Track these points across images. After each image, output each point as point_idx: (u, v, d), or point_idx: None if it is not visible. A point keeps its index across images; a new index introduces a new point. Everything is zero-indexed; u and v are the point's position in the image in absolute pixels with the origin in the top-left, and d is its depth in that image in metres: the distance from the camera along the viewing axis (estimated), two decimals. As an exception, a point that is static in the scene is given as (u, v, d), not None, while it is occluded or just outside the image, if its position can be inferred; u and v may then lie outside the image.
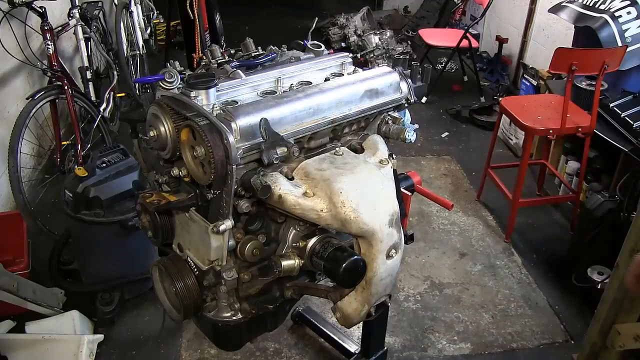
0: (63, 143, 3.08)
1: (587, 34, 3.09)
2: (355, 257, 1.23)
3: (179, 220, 1.39)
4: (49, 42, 2.96)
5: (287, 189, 1.21)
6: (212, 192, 1.26)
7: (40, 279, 2.42)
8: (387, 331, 1.96)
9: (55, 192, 3.11)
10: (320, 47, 1.63)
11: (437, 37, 4.88)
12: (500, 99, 3.61)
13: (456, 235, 3.12)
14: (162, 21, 5.50)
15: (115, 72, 3.88)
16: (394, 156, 1.45)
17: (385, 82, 1.48)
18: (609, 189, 2.85)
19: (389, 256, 1.31)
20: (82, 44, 3.51)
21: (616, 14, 2.93)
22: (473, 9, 5.84)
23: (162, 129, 1.27)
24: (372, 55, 5.37)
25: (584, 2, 3.16)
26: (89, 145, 3.21)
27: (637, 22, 2.91)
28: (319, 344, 2.36)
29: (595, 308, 1.86)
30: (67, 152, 3.11)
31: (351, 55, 1.60)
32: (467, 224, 3.22)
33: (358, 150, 1.42)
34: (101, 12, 3.95)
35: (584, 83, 3.15)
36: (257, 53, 1.56)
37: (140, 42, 4.27)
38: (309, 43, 1.64)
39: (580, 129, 2.84)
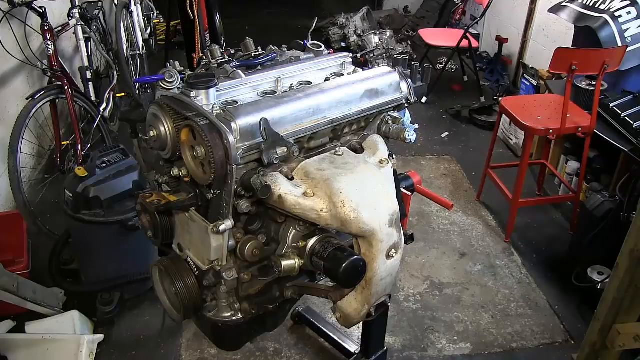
0: (63, 143, 3.08)
1: (587, 34, 3.09)
2: (355, 257, 1.23)
3: (179, 220, 1.39)
4: (49, 42, 2.96)
5: (287, 189, 1.21)
6: (212, 192, 1.26)
7: (40, 279, 2.42)
8: (387, 331, 1.95)
9: (55, 192, 3.10)
10: (320, 47, 1.63)
11: (437, 37, 4.87)
12: (500, 99, 3.61)
13: (456, 235, 3.12)
14: (162, 21, 5.50)
15: (115, 72, 3.87)
16: (394, 156, 1.45)
17: (385, 82, 1.48)
18: (609, 189, 2.85)
19: (389, 256, 1.31)
20: (82, 44, 3.51)
21: (616, 14, 2.93)
22: (473, 9, 5.84)
23: (162, 129, 1.27)
24: (372, 55, 5.36)
25: (584, 2, 3.16)
26: (89, 145, 3.21)
27: (637, 22, 2.91)
28: (319, 344, 2.36)
29: (595, 308, 1.86)
30: (67, 152, 3.11)
31: (351, 55, 1.60)
32: (467, 224, 3.22)
33: (358, 150, 1.42)
34: (101, 12, 3.95)
35: (584, 83, 3.15)
36: (257, 53, 1.56)
37: (140, 42, 4.26)
38: (309, 43, 1.64)
39: (580, 129, 2.84)
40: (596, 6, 3.07)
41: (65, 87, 2.95)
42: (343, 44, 5.76)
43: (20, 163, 2.63)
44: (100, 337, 2.27)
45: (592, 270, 2.55)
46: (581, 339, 2.04)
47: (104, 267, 2.42)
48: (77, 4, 3.46)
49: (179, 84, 1.31)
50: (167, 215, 1.38)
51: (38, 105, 2.77)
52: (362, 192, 1.24)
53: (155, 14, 5.39)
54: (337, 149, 1.36)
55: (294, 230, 1.35)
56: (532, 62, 4.50)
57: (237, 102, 1.29)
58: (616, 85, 3.17)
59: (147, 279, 2.32)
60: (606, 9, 2.99)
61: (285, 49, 1.62)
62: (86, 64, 3.53)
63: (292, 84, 1.40)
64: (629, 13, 2.93)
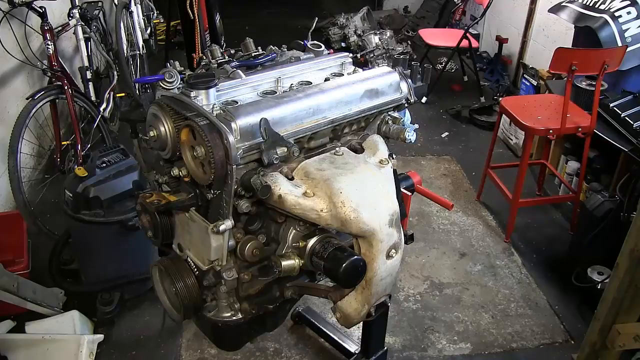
0: (63, 143, 3.08)
1: (587, 34, 3.09)
2: (355, 257, 1.23)
3: (179, 220, 1.39)
4: (49, 42, 2.96)
5: (287, 189, 1.21)
6: (212, 192, 1.26)
7: (40, 279, 2.42)
8: (387, 331, 1.95)
9: (55, 192, 3.10)
10: (320, 47, 1.63)
11: (437, 37, 4.88)
12: (500, 99, 3.61)
13: (456, 235, 3.12)
14: (162, 21, 5.50)
15: (115, 72, 3.87)
16: (394, 156, 1.45)
17: (385, 82, 1.48)
18: (609, 189, 2.85)
19: (389, 256, 1.31)
20: (82, 44, 3.51)
21: (616, 14, 2.93)
22: (473, 9, 5.84)
23: (162, 129, 1.27)
24: (372, 55, 5.36)
25: (584, 2, 3.16)
26: (89, 145, 3.21)
27: (637, 22, 2.91)
28: (319, 344, 2.36)
29: (595, 308, 1.86)
30: (67, 152, 3.11)
31: (351, 55, 1.60)
32: (467, 224, 3.22)
33: (358, 150, 1.42)
34: (101, 12, 3.95)
35: (584, 83, 3.15)
36: (257, 53, 1.56)
37: (140, 42, 4.26)
38: (309, 43, 1.64)
39: (580, 129, 2.84)
40: (596, 6, 3.07)
41: (65, 87, 2.95)
42: (343, 44, 5.76)
43: (20, 163, 2.63)
44: (100, 337, 2.27)
45: (592, 270, 2.55)
46: (581, 339, 2.04)
47: (104, 267, 2.42)
48: (77, 4, 3.46)
49: (179, 84, 1.31)
50: (167, 215, 1.38)
51: (38, 105, 2.77)
52: (362, 192, 1.24)
53: (155, 14, 5.39)
54: (337, 149, 1.36)
55: (294, 230, 1.35)
56: (532, 62, 4.50)
57: (237, 102, 1.29)
58: (616, 85, 3.17)
59: (147, 279, 2.32)
60: (606, 9, 2.99)
61: (285, 49, 1.62)
62: (86, 64, 3.53)
63: (292, 84, 1.40)
64: (629, 13, 2.93)
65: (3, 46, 2.81)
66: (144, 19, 4.76)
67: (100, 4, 3.95)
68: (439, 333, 2.47)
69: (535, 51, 4.59)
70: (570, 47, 3.41)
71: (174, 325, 2.40)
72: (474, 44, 4.81)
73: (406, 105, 1.55)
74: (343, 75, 1.49)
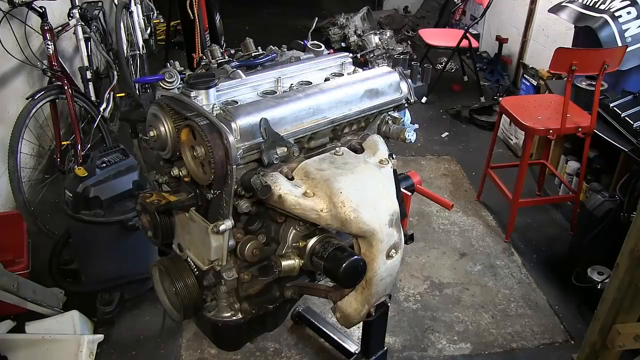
0: (63, 143, 3.08)
1: (587, 34, 3.09)
2: (355, 257, 1.23)
3: (179, 220, 1.39)
4: (49, 42, 2.96)
5: (287, 189, 1.21)
6: (212, 192, 1.26)
7: (40, 279, 2.42)
8: (387, 331, 1.95)
9: (55, 192, 3.11)
10: (320, 47, 1.63)
11: (437, 37, 4.88)
12: (500, 99, 3.61)
13: (456, 235, 3.12)
14: (162, 21, 5.50)
15: (115, 72, 3.88)
16: (394, 156, 1.45)
17: (385, 82, 1.48)
18: (609, 189, 2.85)
19: (389, 256, 1.31)
20: (82, 44, 3.51)
21: (616, 14, 2.93)
22: (473, 9, 5.84)
23: (162, 129, 1.27)
24: (372, 55, 5.36)
25: (584, 2, 3.16)
26: (89, 145, 3.21)
27: (637, 22, 2.91)
28: (319, 344, 2.36)
29: (595, 308, 1.86)
30: (67, 152, 3.11)
31: (351, 55, 1.60)
32: (467, 224, 3.22)
33: (358, 150, 1.42)
34: (101, 12, 3.95)
35: (584, 83, 3.15)
36: (257, 53, 1.56)
37: (140, 42, 4.26)
38: (309, 43, 1.64)
39: (580, 129, 2.84)
40: (596, 6, 3.07)
41: (65, 87, 2.95)
42: (343, 44, 5.76)
43: (20, 163, 2.63)
44: (100, 337, 2.27)
45: (592, 270, 2.55)
46: (581, 339, 2.04)
47: (104, 267, 2.42)
48: (77, 4, 3.46)
49: (179, 84, 1.31)
50: (167, 215, 1.38)
51: (38, 105, 2.77)
52: (362, 192, 1.24)
53: (155, 14, 5.39)
54: (337, 149, 1.36)
55: (294, 230, 1.35)
56: (532, 62, 4.50)
57: (237, 102, 1.29)
58: (616, 85, 3.17)
59: (147, 279, 2.32)
60: (606, 9, 2.99)
61: (285, 49, 1.62)
62: (86, 64, 3.53)
63: (292, 84, 1.40)
64: (629, 13, 2.93)
65: (3, 46, 2.81)
66: (144, 19, 4.76)
67: (100, 4, 3.95)
68: (439, 333, 2.47)
69: (535, 51, 4.59)
70: (570, 47, 3.41)
71: (174, 325, 2.40)
72: (474, 44, 4.81)
73: (406, 105, 1.55)
74: (343, 75, 1.49)
